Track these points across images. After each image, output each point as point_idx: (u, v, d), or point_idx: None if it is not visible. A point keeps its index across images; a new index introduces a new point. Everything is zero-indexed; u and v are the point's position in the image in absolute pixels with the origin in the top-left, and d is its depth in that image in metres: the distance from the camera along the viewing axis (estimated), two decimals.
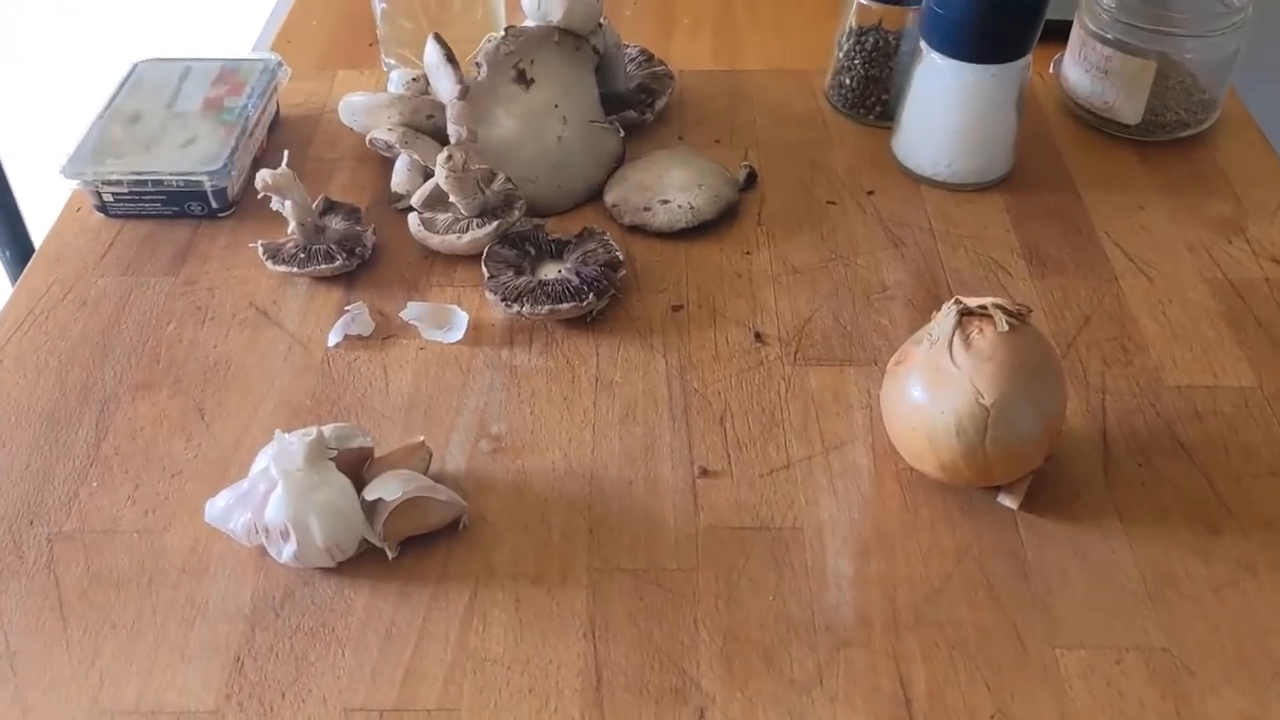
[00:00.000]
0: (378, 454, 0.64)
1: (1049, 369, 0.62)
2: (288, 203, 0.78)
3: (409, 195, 0.84)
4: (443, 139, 0.85)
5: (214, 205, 0.84)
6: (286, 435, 0.60)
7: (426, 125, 0.85)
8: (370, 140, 0.85)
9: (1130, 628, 0.59)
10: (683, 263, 0.80)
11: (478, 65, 0.83)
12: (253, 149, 0.88)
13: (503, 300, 0.74)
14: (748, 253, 0.81)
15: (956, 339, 0.61)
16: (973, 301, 0.62)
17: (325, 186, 0.87)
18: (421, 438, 0.65)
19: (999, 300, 0.62)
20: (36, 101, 2.32)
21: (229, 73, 0.92)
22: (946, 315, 0.62)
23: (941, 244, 0.82)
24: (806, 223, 0.84)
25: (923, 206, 0.86)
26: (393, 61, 1.01)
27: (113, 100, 0.89)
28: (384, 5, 0.96)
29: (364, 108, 0.85)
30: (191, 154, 0.84)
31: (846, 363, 0.73)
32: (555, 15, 0.84)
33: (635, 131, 0.91)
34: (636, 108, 0.91)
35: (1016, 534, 0.63)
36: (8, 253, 1.45)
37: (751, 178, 0.87)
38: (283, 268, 0.78)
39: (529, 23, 0.86)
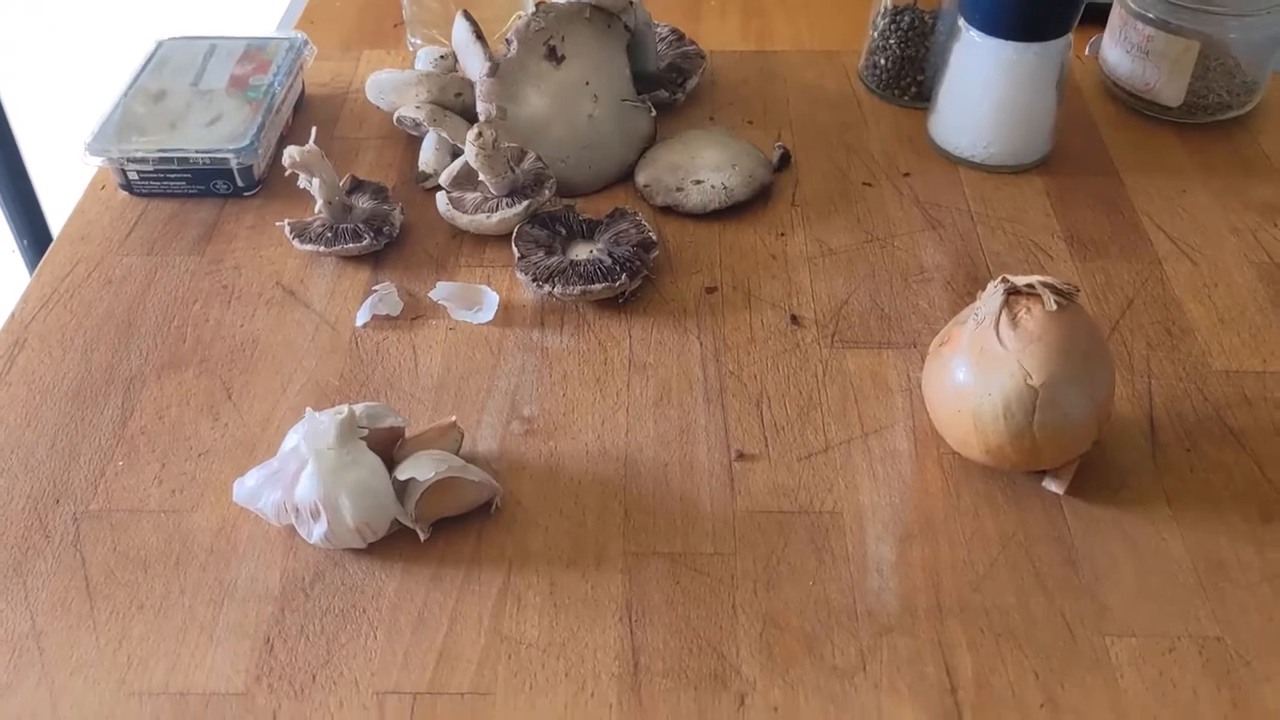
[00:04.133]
0: (408, 434, 0.62)
1: (1098, 350, 0.60)
2: (315, 181, 0.77)
3: (437, 174, 0.83)
4: (471, 117, 0.84)
5: (240, 184, 0.82)
6: (317, 413, 0.59)
7: (455, 103, 0.84)
8: (398, 118, 0.84)
9: (1182, 616, 0.57)
10: (716, 244, 0.79)
11: (508, 42, 0.81)
12: (279, 127, 0.87)
13: (533, 280, 0.73)
14: (782, 234, 0.80)
15: (1003, 318, 0.59)
16: (1020, 280, 0.60)
17: (352, 166, 0.86)
18: (453, 418, 0.63)
19: (1047, 278, 0.60)
20: (57, 83, 2.31)
21: (254, 51, 0.90)
22: (993, 294, 0.60)
23: (980, 226, 0.80)
24: (842, 204, 0.82)
25: (960, 189, 0.84)
26: (418, 41, 1.00)
27: (137, 78, 0.88)
28: None
29: (391, 85, 0.84)
30: (217, 132, 0.83)
31: (885, 345, 0.71)
32: None
33: (666, 111, 0.90)
34: (668, 87, 0.90)
35: (1063, 520, 0.61)
36: (25, 241, 1.44)
37: (785, 158, 0.86)
38: (309, 246, 0.77)
39: None
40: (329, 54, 0.98)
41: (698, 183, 0.81)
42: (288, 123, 0.89)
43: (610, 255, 0.74)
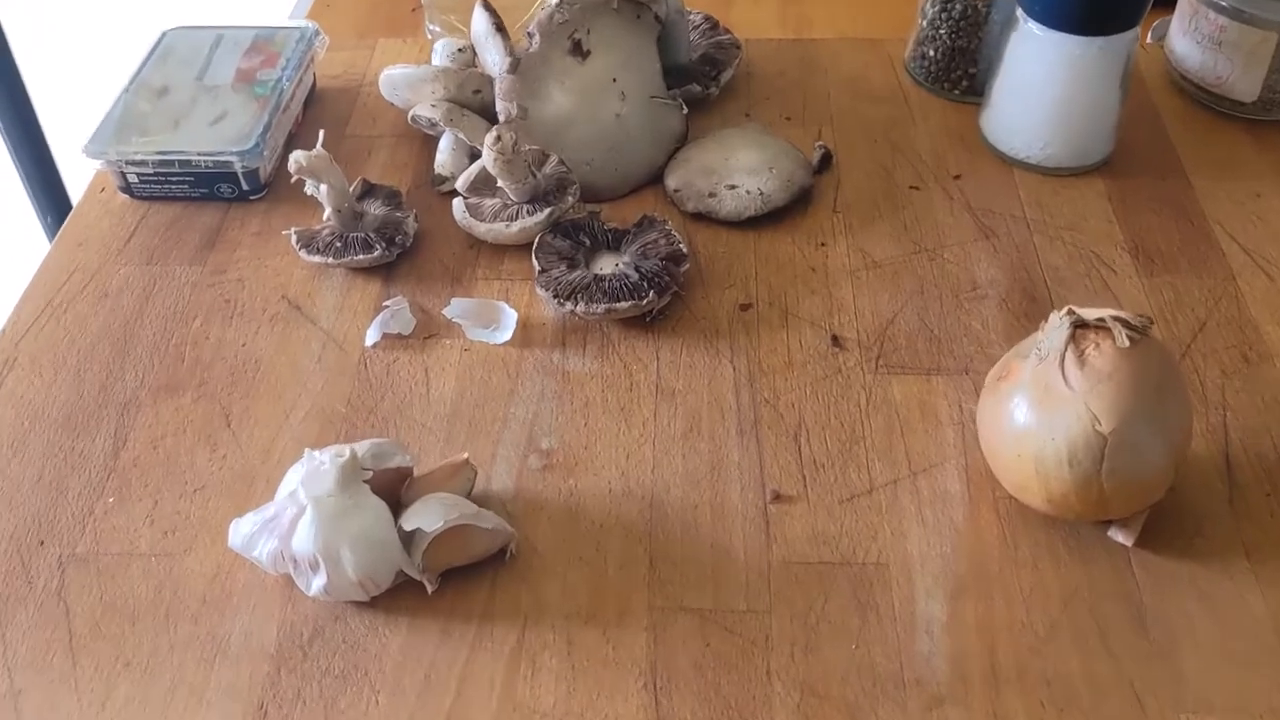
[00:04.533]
0: (417, 472, 0.58)
1: (1173, 388, 0.55)
2: (323, 187, 0.72)
3: (454, 178, 0.78)
4: (491, 116, 0.78)
5: (245, 187, 0.78)
6: (317, 454, 0.54)
7: (473, 101, 0.79)
8: (412, 117, 0.79)
9: (1268, 686, 0.51)
10: (751, 255, 0.73)
11: (529, 35, 0.76)
12: (287, 125, 0.82)
13: (555, 297, 0.68)
14: (823, 244, 0.74)
15: (1069, 355, 0.54)
16: (1089, 313, 0.54)
17: (363, 167, 0.81)
18: (466, 455, 0.59)
19: (1119, 313, 0.54)
20: (73, 73, 2.28)
21: (263, 42, 0.85)
22: (1058, 328, 0.55)
23: (1037, 236, 0.74)
24: (887, 210, 0.76)
25: (1015, 193, 0.78)
26: (438, 29, 0.94)
27: (139, 72, 0.83)
28: None
29: (405, 82, 0.79)
30: (221, 131, 0.78)
31: (934, 371, 0.66)
32: None
33: (699, 107, 0.84)
34: (700, 81, 0.84)
35: (1131, 575, 0.56)
36: (49, 217, 1.41)
37: (826, 159, 0.80)
38: (317, 258, 0.72)
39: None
40: (343, 43, 0.93)
41: (732, 188, 0.75)
42: (297, 120, 0.84)
43: (637, 270, 0.69)
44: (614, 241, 0.72)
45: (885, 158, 0.81)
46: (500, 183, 0.72)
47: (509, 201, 0.73)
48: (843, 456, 0.61)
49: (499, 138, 0.70)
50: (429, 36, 0.95)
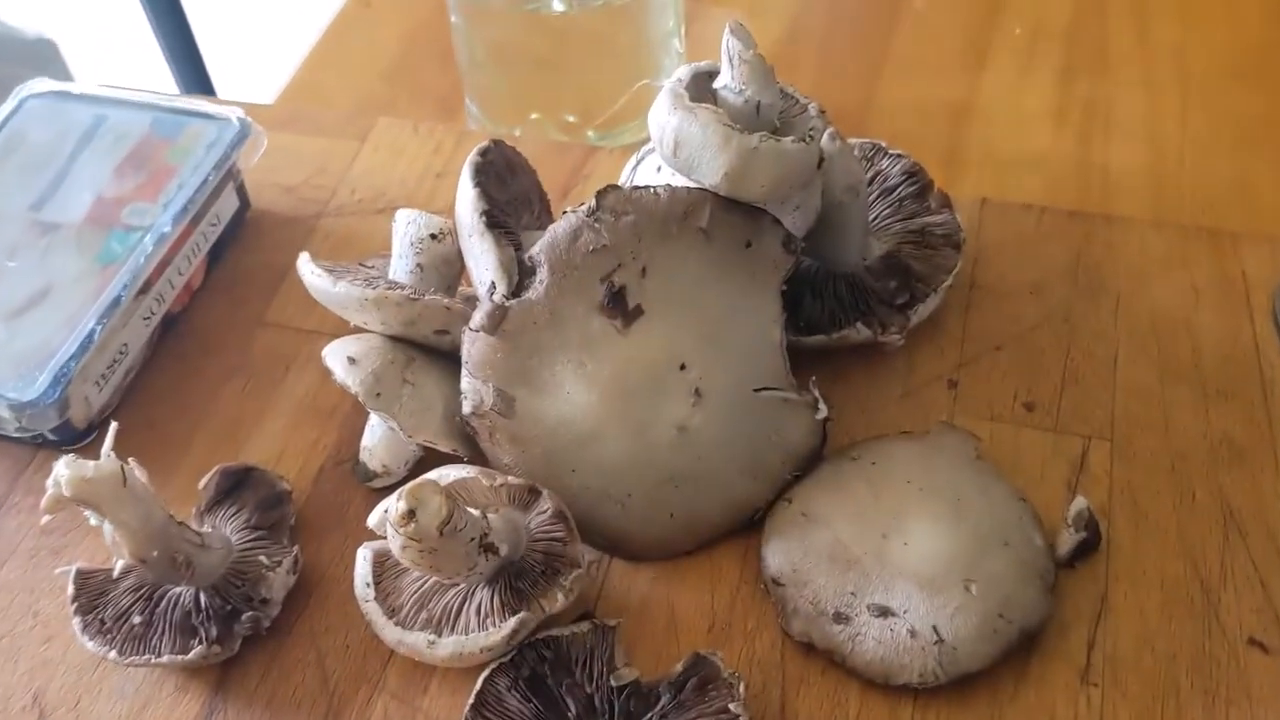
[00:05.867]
0: None
1: None
2: (106, 526, 0.39)
3: (385, 473, 0.44)
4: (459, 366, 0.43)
5: (50, 438, 0.46)
6: None
7: (438, 343, 0.43)
8: (329, 370, 0.44)
9: None
10: None
11: (531, 264, 0.39)
12: (144, 330, 0.48)
13: None
14: None
15: None
16: None
17: (268, 397, 0.48)
18: None
19: None
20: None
21: (160, 141, 0.52)
22: None
23: None
24: (1198, 689, 0.38)
25: None
26: (477, 111, 0.59)
27: None
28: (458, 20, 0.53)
29: (330, 296, 0.43)
30: (24, 334, 0.45)
31: None
32: (711, 173, 0.38)
33: (856, 361, 0.46)
34: (875, 312, 0.46)
35: None
36: None
37: (1088, 545, 0.41)
38: (98, 646, 0.39)
39: (667, 175, 0.42)
40: (320, 127, 0.58)
41: (883, 613, 0.38)
42: (189, 289, 0.50)
43: None
44: (625, 711, 0.37)
45: (1211, 542, 0.41)
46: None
47: (446, 580, 0.39)
48: None
49: (409, 514, 0.35)
50: (470, 124, 0.59)
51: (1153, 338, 0.48)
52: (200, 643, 0.39)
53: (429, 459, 0.44)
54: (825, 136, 0.42)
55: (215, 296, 0.51)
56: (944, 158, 0.60)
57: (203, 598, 0.40)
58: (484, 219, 0.41)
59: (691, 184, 0.39)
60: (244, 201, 0.54)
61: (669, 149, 0.38)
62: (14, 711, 0.40)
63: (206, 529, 0.42)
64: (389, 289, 0.42)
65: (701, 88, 0.40)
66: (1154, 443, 0.44)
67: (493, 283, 0.40)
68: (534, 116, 0.58)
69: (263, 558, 0.41)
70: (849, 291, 0.46)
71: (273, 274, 0.52)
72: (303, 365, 0.49)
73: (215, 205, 0.51)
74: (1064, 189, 0.56)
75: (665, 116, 0.38)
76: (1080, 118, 0.60)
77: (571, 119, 0.58)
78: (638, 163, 0.46)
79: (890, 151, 0.50)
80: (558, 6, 0.56)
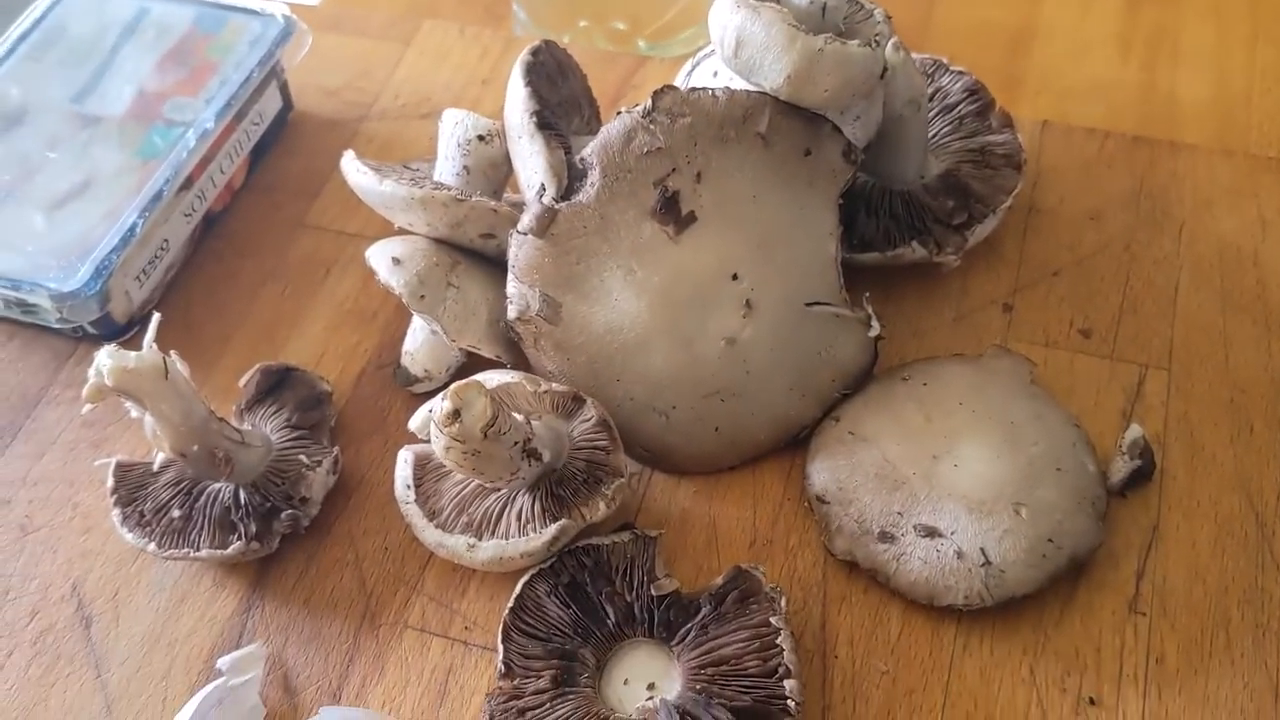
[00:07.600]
0: None
1: None
2: (148, 418, 0.38)
3: (429, 377, 0.43)
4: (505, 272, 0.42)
5: (91, 331, 0.45)
6: None
7: (484, 248, 0.42)
8: (373, 271, 0.43)
9: None
10: (940, 687, 0.36)
11: (583, 167, 0.38)
12: (185, 226, 0.47)
13: None
14: (1092, 701, 0.36)
15: None
16: None
17: (307, 301, 0.47)
18: None
19: None
20: None
21: (201, 36, 0.51)
22: None
23: None
24: (1236, 639, 0.37)
25: None
26: (524, 17, 0.57)
27: None
28: None
29: (376, 195, 0.43)
30: (64, 226, 0.45)
31: None
32: (774, 75, 0.37)
33: (910, 281, 0.45)
34: (930, 232, 0.45)
35: None
36: None
37: (1142, 473, 0.40)
38: (135, 539, 0.39)
39: (725, 79, 0.40)
40: (365, 28, 0.57)
41: (929, 533, 0.38)
42: (223, 195, 0.50)
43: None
44: (668, 622, 0.36)
45: (1269, 476, 0.41)
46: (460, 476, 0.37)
47: (488, 484, 0.38)
48: None
49: (454, 414, 0.34)
50: (517, 30, 0.58)
51: (1216, 268, 0.46)
52: (239, 539, 0.39)
53: (471, 365, 0.43)
54: (890, 45, 0.40)
55: (256, 197, 0.51)
56: (1002, 83, 0.58)
57: (242, 494, 0.40)
58: (534, 119, 0.40)
59: (751, 88, 0.38)
60: (287, 102, 0.53)
61: (729, 49, 0.37)
62: (52, 600, 0.40)
63: (246, 426, 0.42)
64: (436, 189, 0.41)
65: None
66: (1213, 374, 0.43)
67: (542, 185, 0.39)
68: (583, 23, 0.56)
69: (303, 457, 0.41)
70: (905, 209, 0.45)
71: (314, 177, 0.51)
72: (344, 268, 0.48)
73: (258, 103, 0.50)
74: (1126, 118, 0.54)
75: (728, 15, 0.37)
76: (1146, 45, 0.58)
77: (621, 26, 0.56)
78: (693, 67, 0.44)
79: (951, 68, 0.49)
80: None
